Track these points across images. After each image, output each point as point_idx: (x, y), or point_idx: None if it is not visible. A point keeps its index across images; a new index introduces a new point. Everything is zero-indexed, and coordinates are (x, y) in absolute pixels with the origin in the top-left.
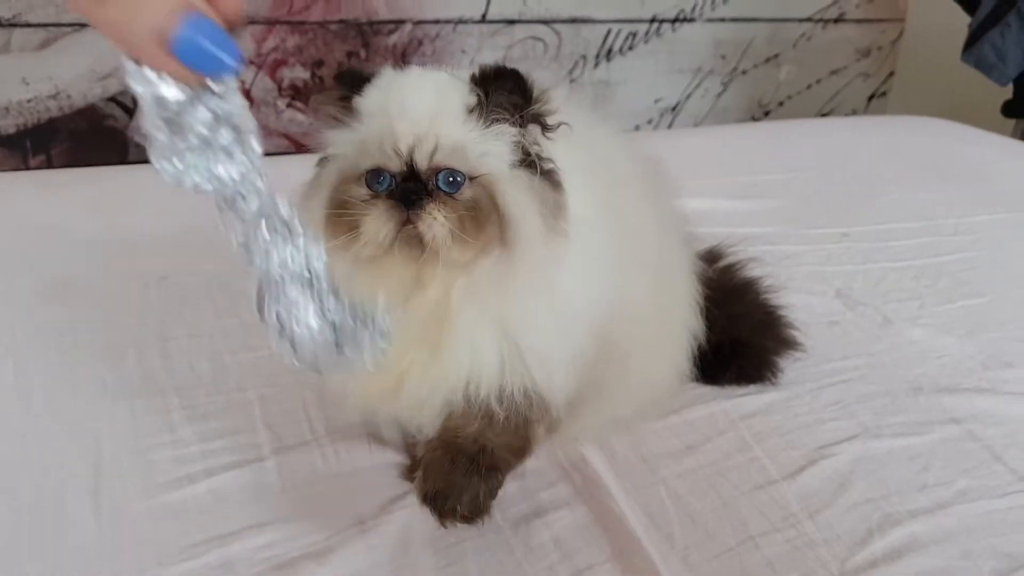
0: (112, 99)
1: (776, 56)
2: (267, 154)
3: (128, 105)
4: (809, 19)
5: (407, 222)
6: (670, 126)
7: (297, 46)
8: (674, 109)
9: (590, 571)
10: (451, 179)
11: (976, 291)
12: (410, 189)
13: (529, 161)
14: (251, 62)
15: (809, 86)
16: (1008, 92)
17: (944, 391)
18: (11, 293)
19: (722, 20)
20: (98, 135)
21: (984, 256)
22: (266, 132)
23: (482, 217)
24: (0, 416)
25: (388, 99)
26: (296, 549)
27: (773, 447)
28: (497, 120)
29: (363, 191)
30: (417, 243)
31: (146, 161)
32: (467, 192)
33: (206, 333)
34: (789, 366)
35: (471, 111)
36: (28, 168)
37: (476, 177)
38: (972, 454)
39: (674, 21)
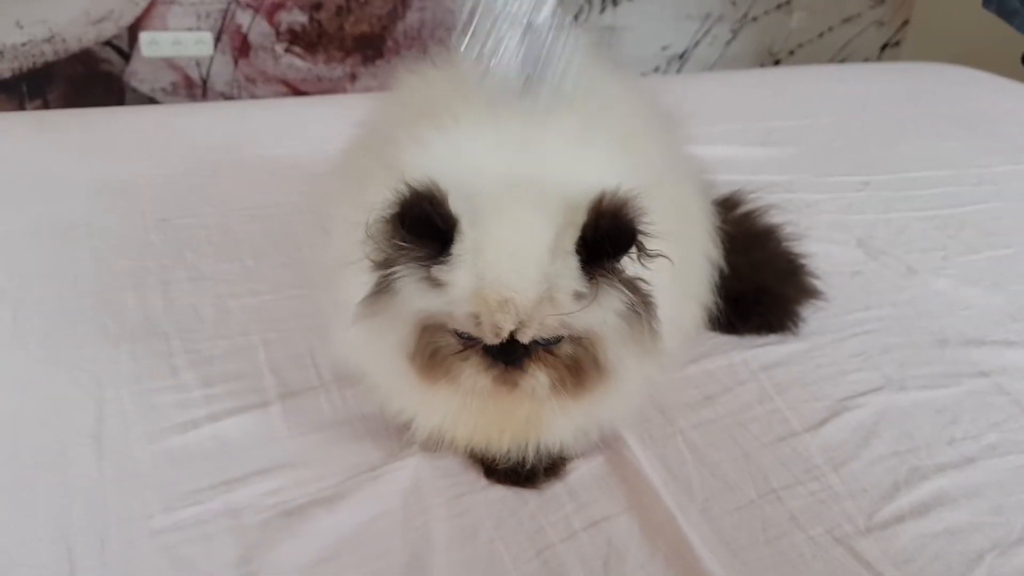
0: (108, 43)
1: (788, 3)
2: (264, 99)
3: (123, 49)
4: None
5: (505, 373)
6: (678, 73)
7: None
8: (681, 57)
9: (606, 522)
10: (548, 339)
11: (1002, 242)
12: (509, 349)
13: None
14: (249, 5)
15: (821, 34)
16: None
17: (971, 343)
18: (8, 236)
19: None
20: (94, 79)
21: (1009, 207)
22: (263, 78)
23: (582, 371)
24: (0, 361)
25: (485, 284)
26: (304, 495)
27: (795, 398)
28: (607, 287)
29: (453, 341)
30: (512, 386)
31: (144, 102)
32: (566, 348)
33: (208, 276)
34: (810, 316)
35: (579, 296)
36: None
37: (577, 337)
38: (1001, 408)
39: None
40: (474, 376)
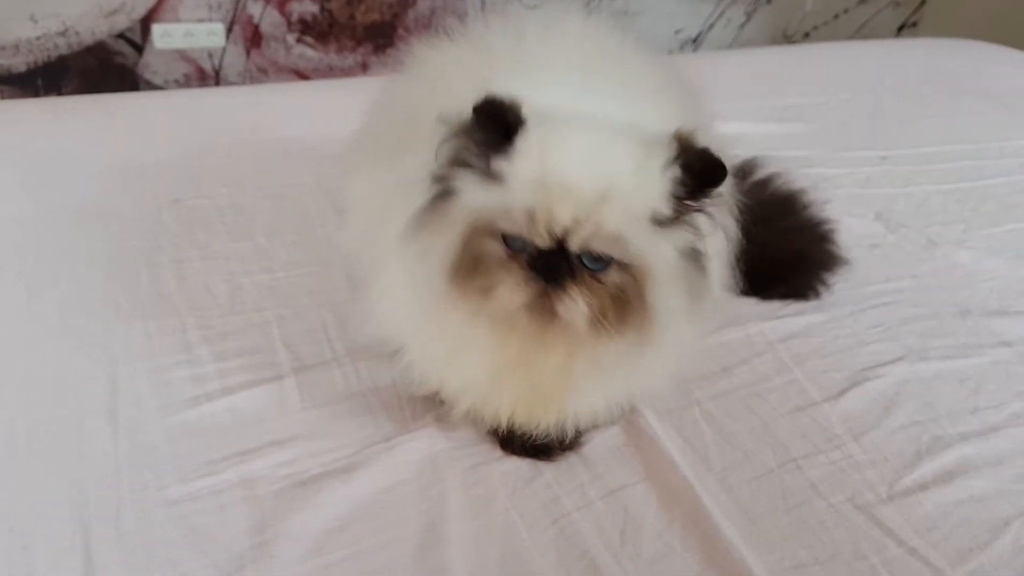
0: (121, 36)
1: None
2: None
3: (136, 41)
4: None
5: (544, 294)
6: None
7: None
8: (695, 40)
9: (623, 491)
10: (598, 258)
11: None
12: (553, 264)
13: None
14: None
15: (836, 16)
16: None
17: (994, 314)
18: (23, 217)
19: None
20: (108, 72)
21: None
22: (275, 68)
23: (626, 307)
24: (15, 339)
25: (548, 171)
26: (318, 466)
27: (813, 369)
28: (680, 220)
29: (499, 248)
30: (548, 313)
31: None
32: (614, 275)
33: (221, 255)
34: (828, 288)
35: (655, 218)
36: None
37: (627, 265)
38: None
39: None
40: (512, 290)
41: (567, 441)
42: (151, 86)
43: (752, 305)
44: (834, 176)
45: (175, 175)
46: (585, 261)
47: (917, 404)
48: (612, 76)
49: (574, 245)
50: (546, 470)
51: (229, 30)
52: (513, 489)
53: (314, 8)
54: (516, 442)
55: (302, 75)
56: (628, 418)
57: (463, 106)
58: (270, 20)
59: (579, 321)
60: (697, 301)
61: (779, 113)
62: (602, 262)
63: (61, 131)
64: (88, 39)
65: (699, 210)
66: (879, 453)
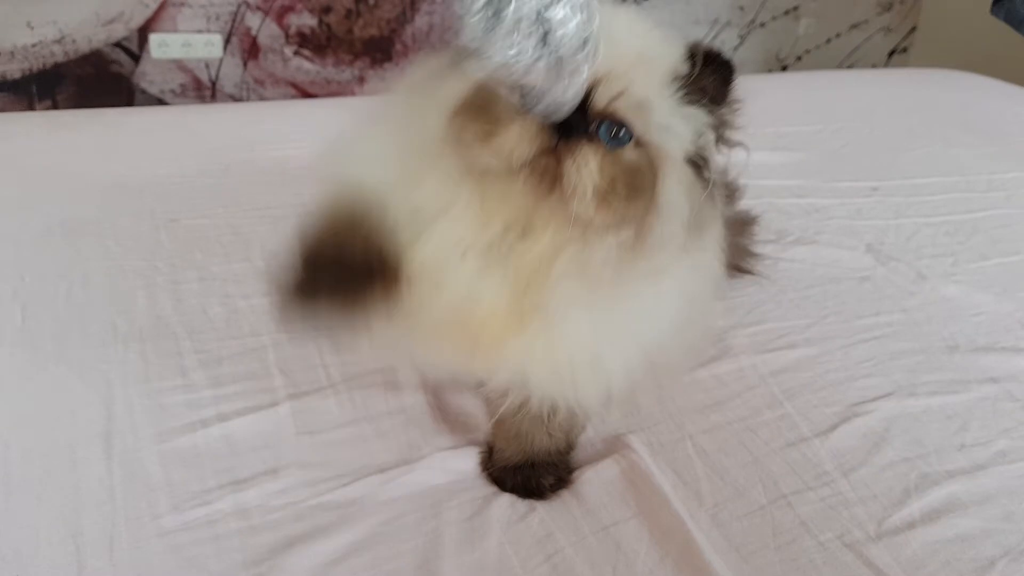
0: (118, 45)
1: (795, 8)
2: (274, 101)
3: (133, 51)
4: None
5: (552, 152)
6: None
7: None
8: None
9: (615, 527)
10: (616, 132)
11: (1012, 248)
12: (570, 119)
13: (698, 162)
14: (258, 8)
15: (829, 40)
16: None
17: (981, 350)
18: (19, 235)
19: None
20: (104, 81)
21: (1019, 213)
22: (272, 80)
23: (636, 189)
24: (9, 361)
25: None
26: (313, 496)
27: (804, 404)
28: (695, 102)
29: (514, 98)
30: (550, 180)
31: (153, 103)
32: (630, 154)
33: (218, 277)
34: (819, 322)
35: (676, 79)
36: None
37: (645, 144)
38: (1011, 414)
39: None
40: (519, 137)
41: (557, 479)
42: (147, 96)
43: (745, 337)
44: (826, 207)
45: (173, 193)
46: (602, 133)
47: (906, 440)
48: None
49: (599, 102)
50: (539, 505)
51: (227, 41)
52: (508, 523)
53: (312, 21)
54: (509, 481)
55: (299, 88)
56: (621, 453)
57: None
58: (268, 32)
59: (585, 184)
60: (699, 226)
61: (773, 142)
62: (618, 140)
63: (58, 147)
64: (85, 47)
65: (707, 103)
66: (868, 491)
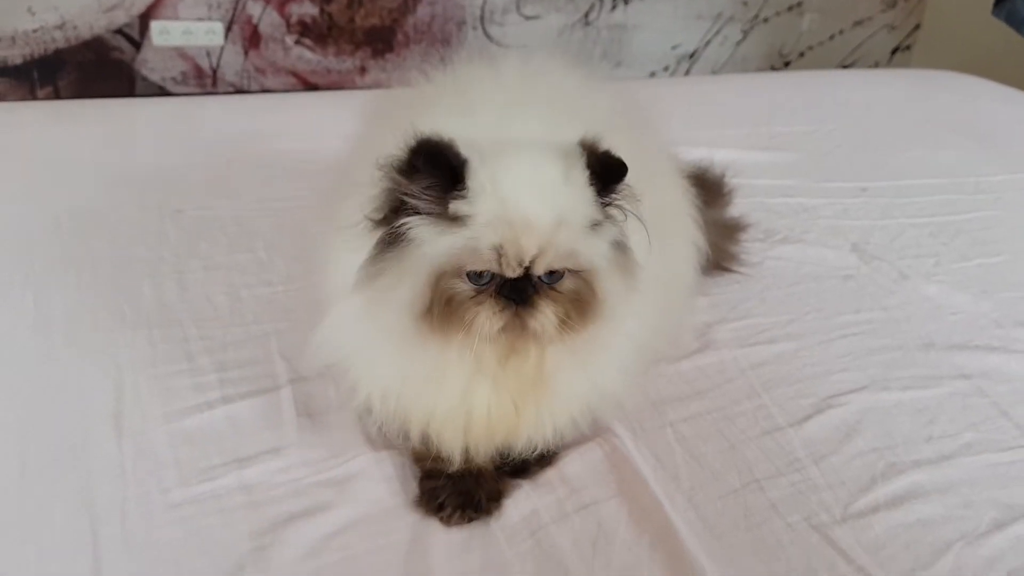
0: (119, 31)
1: (799, 4)
2: (274, 92)
3: (134, 38)
4: None
5: (515, 314)
6: (687, 73)
7: None
8: (691, 56)
9: (596, 506)
10: (553, 272)
11: (993, 250)
12: (521, 288)
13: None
14: None
15: (832, 36)
16: None
17: (955, 348)
18: (27, 223)
19: None
20: (105, 67)
21: (1003, 216)
22: (273, 69)
23: (583, 306)
24: (22, 345)
25: (508, 209)
26: (313, 474)
27: (781, 396)
28: (606, 218)
29: (467, 287)
30: (520, 330)
31: (155, 94)
32: (568, 283)
33: (222, 267)
34: (801, 318)
35: (592, 224)
36: (35, 99)
37: (577, 270)
38: (979, 409)
39: None
40: (489, 319)
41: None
42: (148, 83)
43: (728, 332)
44: (814, 206)
45: (177, 185)
46: (544, 279)
47: (876, 432)
48: (543, 107)
49: (539, 269)
50: (526, 484)
51: (228, 29)
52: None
53: (314, 10)
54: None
55: (300, 77)
56: (604, 438)
57: (395, 150)
58: (269, 21)
59: (549, 329)
60: (630, 278)
61: (766, 141)
62: (556, 276)
63: (64, 136)
64: (86, 33)
65: (612, 204)
66: (836, 477)
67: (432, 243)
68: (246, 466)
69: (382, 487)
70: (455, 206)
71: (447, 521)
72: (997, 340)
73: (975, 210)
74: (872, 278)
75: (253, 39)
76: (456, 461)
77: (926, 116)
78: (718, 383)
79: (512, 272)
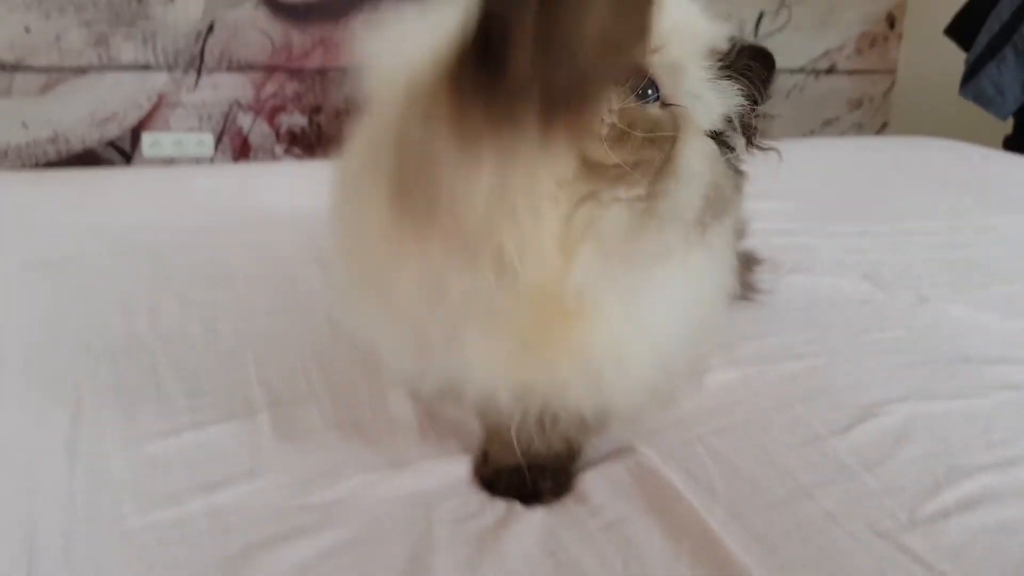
0: (110, 143)
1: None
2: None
3: (125, 149)
4: (801, 70)
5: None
6: None
7: (296, 92)
8: None
9: (623, 523)
10: (644, 90)
11: (1012, 277)
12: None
13: (724, 141)
14: (250, 108)
15: (803, 136)
16: (1007, 127)
17: (993, 362)
18: None
19: None
20: None
21: (1013, 251)
22: None
23: (654, 137)
24: None
25: None
26: (294, 497)
27: (816, 407)
28: (730, 79)
29: None
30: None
31: None
32: (654, 109)
33: (198, 302)
34: (823, 337)
35: (715, 52)
36: None
37: (672, 106)
38: None
39: None
40: None
41: (555, 484)
42: None
43: (750, 349)
44: (818, 245)
45: (156, 235)
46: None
47: (929, 438)
48: None
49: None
50: (538, 508)
51: (218, 140)
52: (505, 522)
53: (303, 121)
54: (503, 484)
55: None
56: (624, 453)
57: None
58: (259, 131)
59: (604, 124)
60: (719, 206)
61: (758, 193)
62: (645, 97)
63: (45, 197)
64: (78, 146)
65: (743, 87)
66: (895, 483)
67: None
68: (216, 491)
69: (374, 510)
70: None
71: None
72: None
73: (982, 246)
74: (890, 303)
75: (243, 149)
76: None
77: (913, 172)
78: (745, 396)
79: None
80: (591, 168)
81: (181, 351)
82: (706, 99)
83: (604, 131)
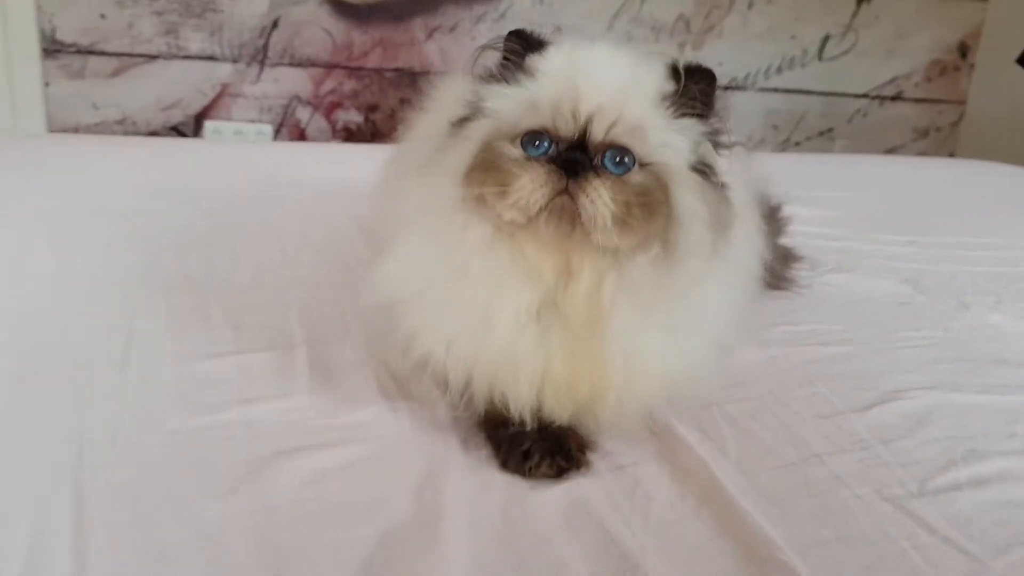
0: (174, 128)
1: (830, 130)
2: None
3: (188, 135)
4: (866, 95)
5: (564, 192)
6: None
7: (353, 90)
8: None
9: (633, 467)
10: (620, 159)
11: None
12: (575, 158)
13: (703, 169)
14: (308, 103)
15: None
16: None
17: None
18: (61, 214)
19: (775, 90)
20: None
21: None
22: None
23: (651, 207)
24: (42, 290)
25: (575, 63)
26: (323, 416)
27: (839, 387)
28: (685, 115)
29: (516, 152)
30: (569, 218)
31: None
32: (636, 177)
33: (247, 256)
34: (856, 328)
35: (663, 97)
36: None
37: (649, 164)
38: None
39: (726, 88)
40: (532, 185)
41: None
42: None
43: (779, 333)
44: (861, 250)
45: (214, 197)
46: (607, 163)
47: (951, 424)
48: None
49: (597, 134)
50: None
51: (277, 131)
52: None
53: (359, 118)
54: (512, 459)
55: None
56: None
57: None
58: (316, 125)
59: (602, 214)
60: (718, 230)
61: (807, 200)
62: (623, 166)
63: (110, 157)
64: (143, 129)
65: (697, 113)
66: (909, 457)
67: (495, 99)
68: (252, 405)
69: (396, 431)
70: (529, 61)
71: (534, 472)
72: None
73: None
74: (929, 306)
75: (300, 141)
76: (528, 420)
77: (975, 192)
78: (769, 372)
79: (567, 128)
80: (612, 250)
81: (230, 292)
82: (674, 143)
83: (607, 222)
